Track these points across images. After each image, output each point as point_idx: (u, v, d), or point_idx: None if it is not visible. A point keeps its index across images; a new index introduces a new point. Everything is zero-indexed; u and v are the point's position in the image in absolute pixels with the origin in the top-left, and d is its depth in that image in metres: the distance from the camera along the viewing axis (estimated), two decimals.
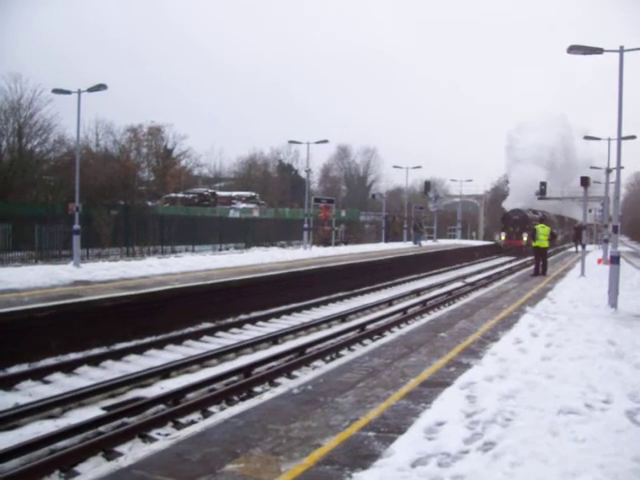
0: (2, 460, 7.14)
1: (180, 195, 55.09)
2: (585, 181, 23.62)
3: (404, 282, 27.44)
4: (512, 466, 5.28)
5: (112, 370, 11.56)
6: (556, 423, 6.32)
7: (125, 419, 8.77)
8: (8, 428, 8.35)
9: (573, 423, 6.34)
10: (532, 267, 25.88)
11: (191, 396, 9.87)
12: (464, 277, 30.23)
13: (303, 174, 60.26)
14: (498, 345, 10.41)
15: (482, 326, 12.61)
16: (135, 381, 10.50)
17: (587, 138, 31.61)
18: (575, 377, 8.05)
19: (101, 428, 8.44)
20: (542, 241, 23.72)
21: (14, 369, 11.18)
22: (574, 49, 15.19)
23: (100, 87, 20.70)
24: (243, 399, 9.67)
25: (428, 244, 45.88)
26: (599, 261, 27.84)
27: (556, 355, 9.38)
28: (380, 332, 15.30)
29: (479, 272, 33.19)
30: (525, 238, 45.47)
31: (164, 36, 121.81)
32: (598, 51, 15.12)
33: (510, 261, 43.18)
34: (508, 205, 57.39)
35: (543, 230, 23.81)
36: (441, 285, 26.66)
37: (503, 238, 50.27)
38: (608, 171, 29.38)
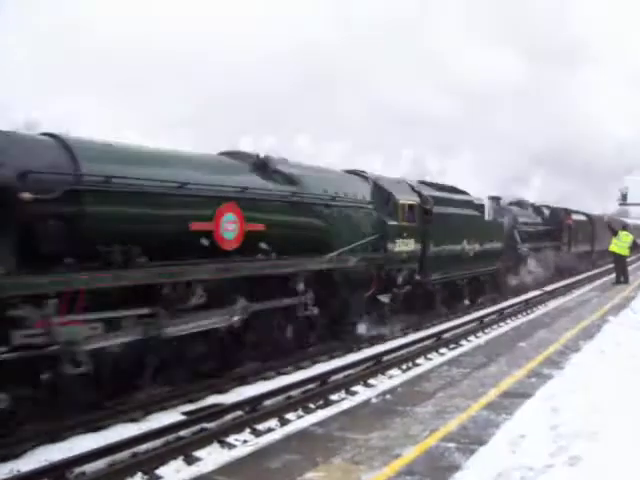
0: (91, 460, 7.37)
1: None
2: None
3: None
4: None
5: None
6: None
7: (204, 424, 8.90)
8: (93, 429, 8.60)
9: None
10: (613, 275, 25.09)
11: (268, 403, 9.94)
12: None
13: None
14: (580, 355, 10.13)
15: (563, 335, 12.29)
16: (213, 387, 10.65)
17: None
18: None
19: (181, 433, 8.60)
20: (623, 249, 23.05)
21: None
22: None
23: None
24: (320, 407, 9.67)
25: None
26: None
27: None
28: (457, 341, 15.08)
29: None
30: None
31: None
32: None
33: None
34: None
35: (626, 238, 23.13)
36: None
37: None
38: None
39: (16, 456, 7.39)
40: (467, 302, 20.55)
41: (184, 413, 9.43)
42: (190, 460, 7.64)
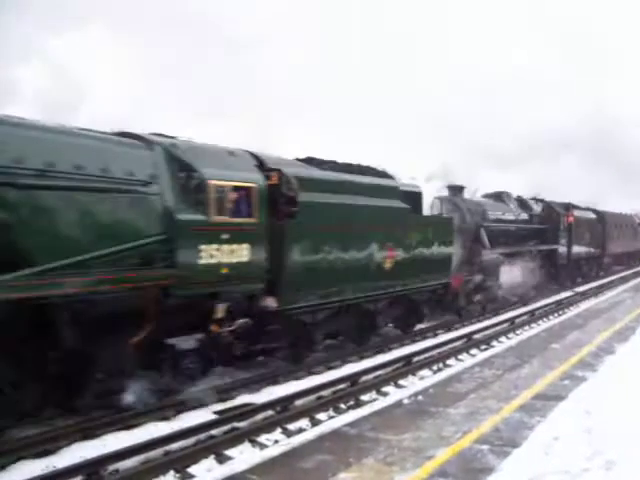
0: (124, 457, 7.43)
1: None
2: None
3: None
4: None
5: (221, 375, 11.76)
6: None
7: (235, 424, 8.93)
8: (126, 427, 8.67)
9: None
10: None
11: (299, 403, 9.94)
12: None
13: None
14: (614, 357, 10.00)
15: (596, 337, 12.13)
16: (244, 386, 10.68)
17: None
18: None
19: (212, 432, 8.63)
20: None
21: None
22: None
23: None
24: (351, 407, 9.65)
25: None
26: None
27: None
28: (488, 342, 14.94)
29: None
30: None
31: None
32: None
33: None
34: None
35: None
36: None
37: None
38: None
39: (52, 452, 7.50)
40: (393, 330, 15.57)
41: (215, 412, 9.47)
42: (221, 459, 7.67)
